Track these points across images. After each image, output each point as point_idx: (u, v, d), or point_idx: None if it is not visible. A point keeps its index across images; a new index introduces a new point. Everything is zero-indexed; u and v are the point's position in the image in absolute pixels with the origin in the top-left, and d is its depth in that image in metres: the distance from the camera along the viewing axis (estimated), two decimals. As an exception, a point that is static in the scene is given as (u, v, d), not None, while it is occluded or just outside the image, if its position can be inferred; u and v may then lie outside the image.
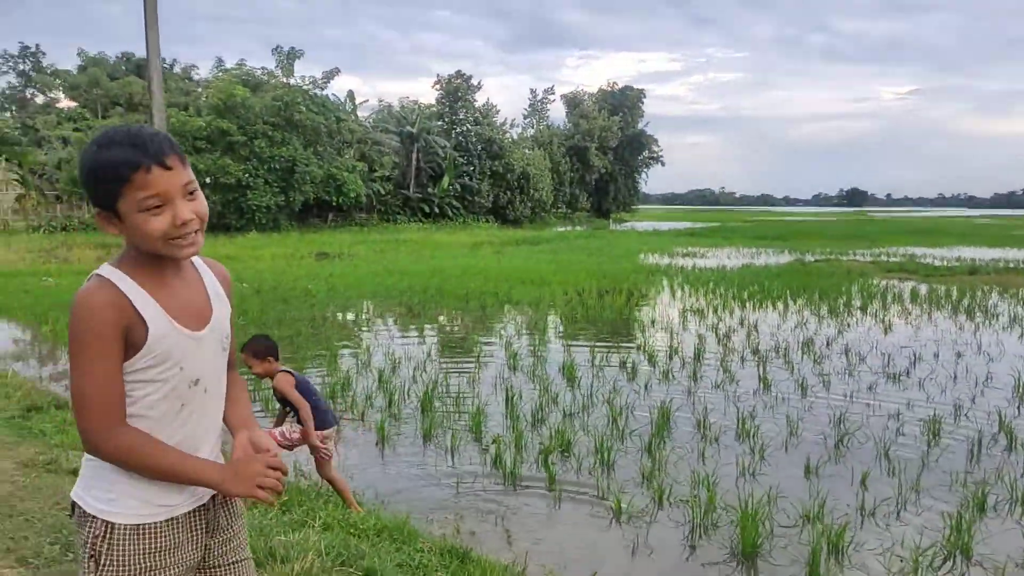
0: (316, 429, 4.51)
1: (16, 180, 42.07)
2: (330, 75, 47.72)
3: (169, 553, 1.58)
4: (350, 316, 13.09)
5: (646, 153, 79.18)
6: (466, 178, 53.99)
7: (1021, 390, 7.88)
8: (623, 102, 74.82)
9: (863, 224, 59.31)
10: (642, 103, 77.05)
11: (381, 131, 49.99)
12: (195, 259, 1.69)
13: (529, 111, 75.62)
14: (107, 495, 1.56)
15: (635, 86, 77.66)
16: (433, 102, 57.66)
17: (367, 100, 77.03)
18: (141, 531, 1.55)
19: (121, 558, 1.54)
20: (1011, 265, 22.11)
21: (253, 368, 4.57)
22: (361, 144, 47.06)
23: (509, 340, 10.58)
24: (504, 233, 42.38)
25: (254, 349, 4.55)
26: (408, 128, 51.04)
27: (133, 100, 48.02)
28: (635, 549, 4.44)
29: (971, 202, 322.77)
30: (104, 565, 1.54)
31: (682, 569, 4.27)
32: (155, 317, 1.52)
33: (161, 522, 1.57)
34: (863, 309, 13.54)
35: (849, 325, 11.97)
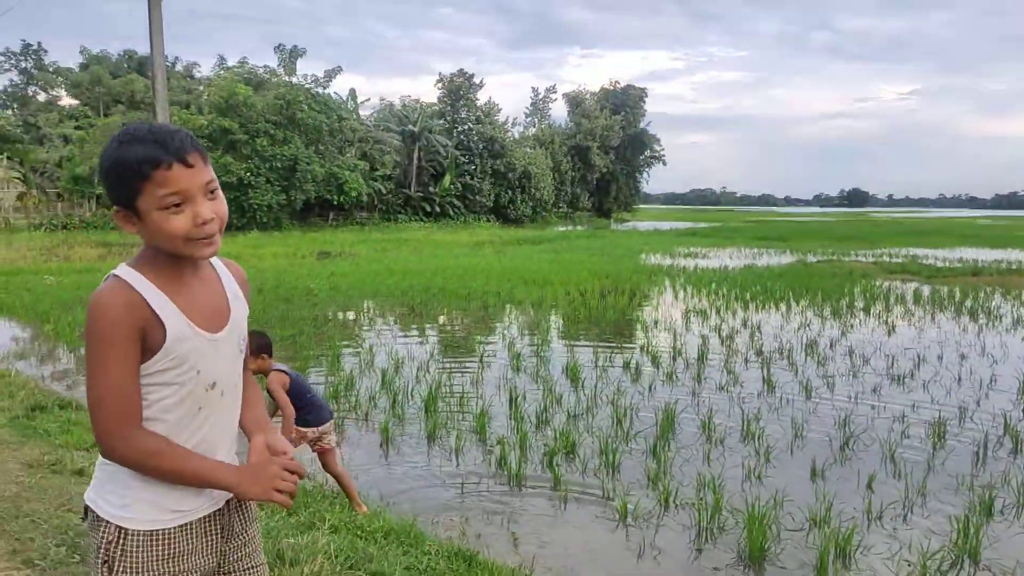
0: (312, 425, 4.51)
1: (17, 178, 42.10)
2: (332, 73, 47.80)
3: (184, 559, 1.56)
4: (352, 315, 13.08)
5: (648, 152, 79.18)
6: (467, 177, 54.02)
7: (1026, 393, 7.87)
8: (625, 101, 74.80)
9: (864, 225, 59.29)
10: (644, 102, 77.02)
11: (383, 130, 50.00)
12: (214, 260, 1.67)
13: (531, 110, 75.71)
14: (121, 500, 1.54)
15: (637, 85, 77.72)
16: (435, 101, 57.71)
17: (369, 99, 76.89)
18: (155, 537, 1.54)
19: (135, 564, 1.52)
20: (1013, 266, 22.09)
21: (247, 364, 4.54)
22: (363, 143, 47.07)
23: (512, 340, 10.56)
24: (505, 232, 42.38)
25: (249, 346, 4.52)
26: (410, 127, 51.06)
27: (135, 98, 48.03)
28: (642, 552, 4.42)
29: (972, 203, 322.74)
30: (117, 571, 1.53)
31: (689, 573, 4.25)
32: (173, 319, 1.50)
33: (175, 528, 1.55)
34: (866, 310, 13.53)
35: (852, 326, 11.95)
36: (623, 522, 4.78)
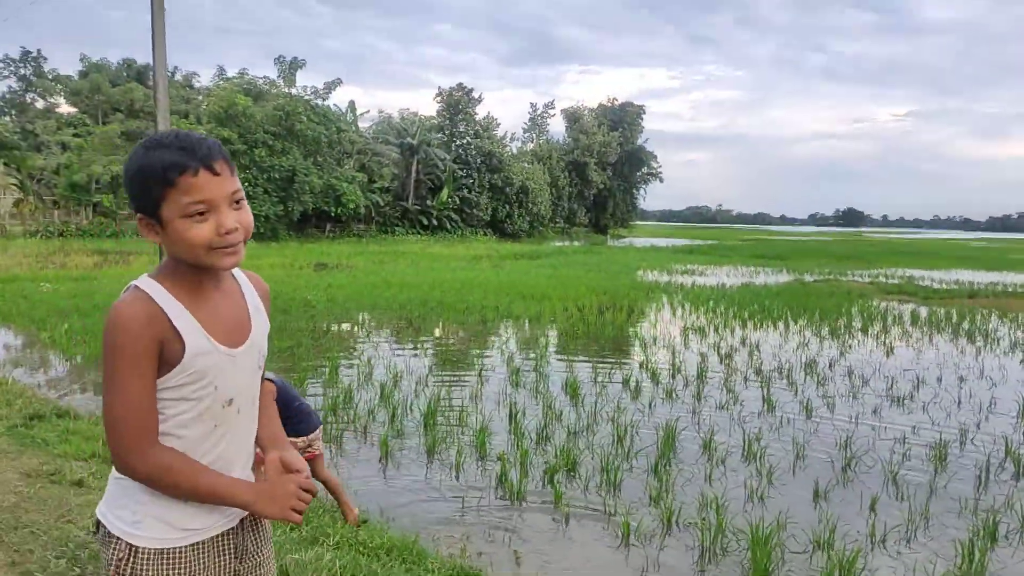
0: (301, 434, 4.49)
1: (14, 185, 42.02)
2: (332, 85, 47.91)
3: None
4: (350, 328, 13.03)
5: (645, 169, 79.48)
6: (465, 191, 54.12)
7: (1026, 416, 7.87)
8: (623, 118, 75.16)
9: (860, 245, 59.52)
10: (642, 119, 77.39)
11: (381, 142, 50.12)
12: (237, 273, 1.64)
13: (529, 125, 75.97)
14: (132, 516, 1.51)
15: (635, 102, 78.05)
16: (433, 114, 57.90)
17: (368, 111, 77.14)
18: (166, 556, 1.51)
19: None
20: (1009, 289, 22.17)
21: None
22: (361, 155, 47.15)
23: (511, 355, 10.53)
24: (502, 247, 42.41)
25: None
26: (408, 140, 51.19)
27: (134, 107, 48.06)
28: (645, 572, 4.38)
29: (967, 225, 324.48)
30: None
31: (693, 594, 4.21)
32: (192, 333, 1.48)
33: (187, 546, 1.53)
34: (864, 331, 13.54)
35: (851, 347, 11.96)
36: (626, 542, 4.74)
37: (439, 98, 58.21)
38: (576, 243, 53.48)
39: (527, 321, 13.95)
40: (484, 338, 12.35)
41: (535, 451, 6.39)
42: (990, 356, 11.45)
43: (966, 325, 14.21)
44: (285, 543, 3.64)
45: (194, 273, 1.51)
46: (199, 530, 1.54)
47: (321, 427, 4.70)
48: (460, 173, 53.93)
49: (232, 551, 1.61)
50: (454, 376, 9.41)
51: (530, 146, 71.35)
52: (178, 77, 55.70)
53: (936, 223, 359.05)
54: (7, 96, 56.68)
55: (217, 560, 1.57)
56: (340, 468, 5.89)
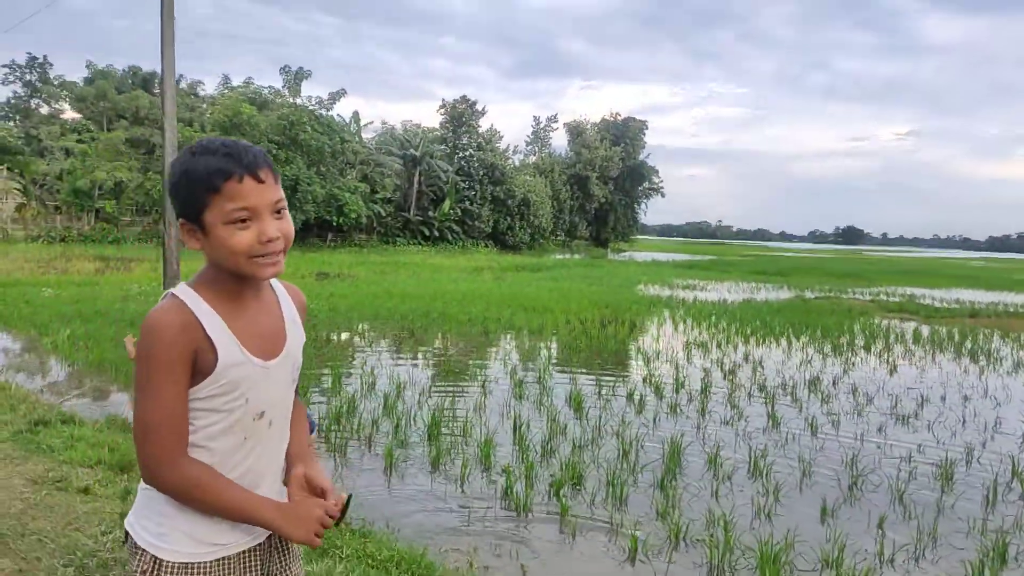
0: None
1: (17, 189, 42.05)
2: (336, 96, 48.09)
3: None
4: (353, 338, 13.02)
5: (646, 184, 79.68)
6: (467, 203, 54.23)
7: (1031, 436, 7.85)
8: (625, 132, 75.43)
9: (860, 263, 59.52)
10: (644, 134, 77.66)
11: (384, 153, 50.24)
12: (275, 283, 1.63)
13: (532, 138, 76.22)
14: (158, 528, 1.50)
15: (637, 117, 78.38)
16: (436, 126, 58.09)
17: (371, 122, 77.39)
18: (190, 570, 1.48)
19: None
20: (1011, 309, 22.16)
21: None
22: (364, 165, 47.26)
23: (514, 367, 10.52)
24: (503, 258, 42.44)
25: None
26: (411, 151, 51.33)
27: (139, 114, 48.19)
28: (653, 589, 4.35)
29: (966, 244, 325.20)
30: None
31: (702, 611, 4.18)
32: (226, 344, 1.46)
33: (212, 561, 1.50)
34: (867, 348, 13.52)
35: (854, 364, 11.94)
36: (633, 557, 4.71)
37: (443, 110, 58.46)
38: (577, 256, 53.52)
39: (529, 333, 13.93)
40: (486, 350, 12.33)
41: (540, 464, 6.36)
42: (993, 376, 11.43)
43: (968, 344, 14.20)
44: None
45: (233, 282, 1.50)
46: (225, 545, 1.51)
47: (315, 430, 4.68)
48: (462, 185, 54.06)
49: (258, 568, 1.58)
50: (457, 387, 9.38)
51: (532, 159, 71.58)
52: (183, 85, 55.87)
53: (936, 242, 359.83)
54: (12, 101, 56.87)
55: None
56: (344, 478, 5.87)
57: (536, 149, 75.37)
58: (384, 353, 11.62)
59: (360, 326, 14.18)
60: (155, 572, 1.48)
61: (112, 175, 38.66)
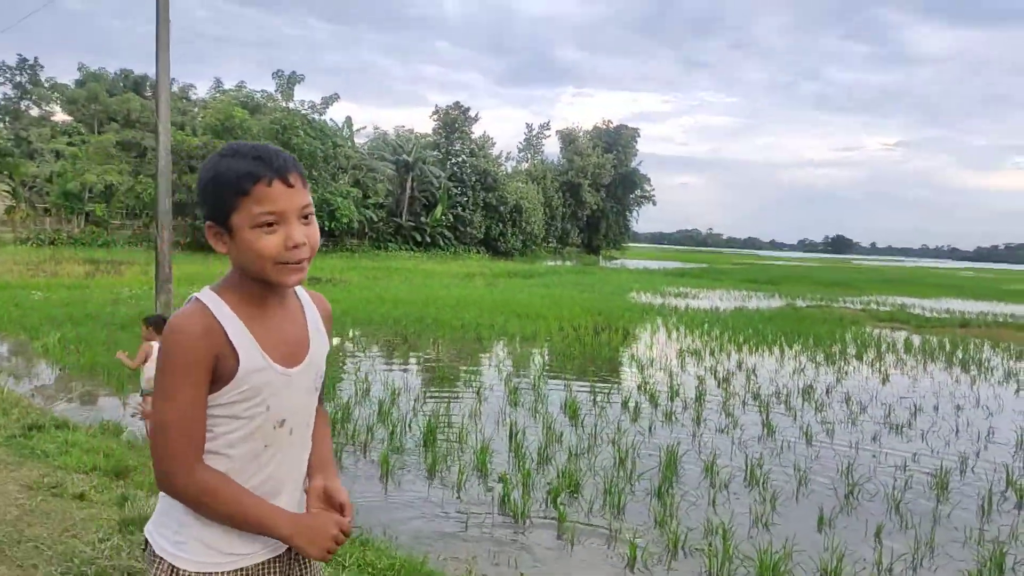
0: None
1: (6, 192, 41.78)
2: (329, 101, 48.04)
3: None
4: (346, 343, 12.97)
5: (638, 192, 79.84)
6: (459, 209, 54.20)
7: (1024, 446, 7.90)
8: (617, 140, 75.60)
9: (849, 272, 59.85)
10: (636, 142, 77.87)
11: (376, 158, 50.17)
12: (300, 291, 1.61)
13: (524, 145, 76.28)
14: (175, 536, 1.47)
15: (629, 125, 78.54)
16: (429, 132, 58.10)
17: (364, 127, 77.39)
18: None
19: None
20: (1000, 319, 22.31)
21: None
22: (356, 170, 47.19)
23: (508, 374, 10.50)
24: (495, 265, 42.43)
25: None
26: (404, 156, 51.29)
27: (130, 117, 48.00)
28: (652, 598, 4.34)
29: (954, 254, 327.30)
30: None
31: (702, 621, 4.17)
32: (248, 350, 1.44)
33: (229, 572, 1.47)
34: (858, 357, 13.58)
35: (847, 373, 11.98)
36: (632, 564, 4.70)
37: (436, 116, 58.46)
38: (569, 263, 53.60)
39: (523, 340, 13.92)
40: (480, 356, 12.31)
41: (537, 472, 6.35)
42: (985, 385, 11.50)
43: (960, 354, 14.28)
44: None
45: (257, 288, 1.48)
46: (244, 555, 1.49)
47: None
48: (455, 191, 54.04)
49: None
50: (452, 394, 9.36)
51: (525, 166, 71.63)
52: (174, 88, 55.72)
53: (924, 252, 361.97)
54: (1, 103, 56.51)
55: None
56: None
57: (528, 156, 75.44)
58: (378, 359, 11.59)
59: (353, 332, 14.13)
60: None
61: (102, 178, 38.44)
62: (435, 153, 54.71)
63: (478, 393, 9.19)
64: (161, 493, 1.50)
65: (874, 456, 7.35)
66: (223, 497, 1.43)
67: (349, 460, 6.52)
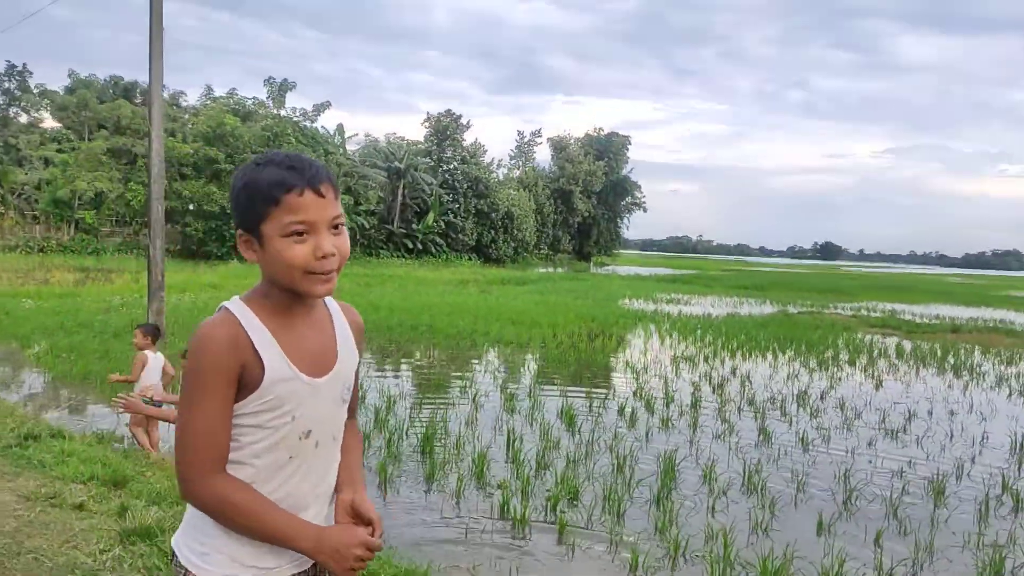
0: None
1: (-5, 198, 41.46)
2: (320, 108, 48.03)
3: None
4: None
5: (629, 199, 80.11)
6: (451, 215, 54.22)
7: (1019, 450, 7.94)
8: (608, 147, 75.89)
9: (839, 278, 60.12)
10: (627, 149, 78.19)
11: (368, 165, 50.14)
12: (329, 302, 1.60)
13: (516, 152, 76.44)
14: (200, 548, 1.46)
15: (620, 132, 78.89)
16: (421, 139, 58.13)
17: (356, 134, 77.29)
18: None
19: None
20: (990, 325, 22.47)
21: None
22: (347, 177, 47.11)
23: (504, 381, 10.49)
24: (488, 272, 42.42)
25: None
26: (395, 164, 51.28)
27: (120, 123, 47.76)
28: (655, 605, 4.33)
29: (942, 261, 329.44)
30: None
31: (705, 628, 4.16)
32: (274, 359, 1.44)
33: None
34: (852, 363, 13.64)
35: (840, 379, 12.03)
36: (633, 572, 4.69)
37: (427, 123, 58.55)
38: (560, 270, 53.64)
39: (518, 347, 13.92)
40: (475, 363, 12.30)
41: (535, 479, 6.34)
42: (977, 391, 11.57)
43: (951, 359, 14.37)
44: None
45: (285, 298, 1.48)
46: (269, 569, 1.47)
47: None
48: (446, 198, 54.07)
49: None
50: (448, 401, 9.33)
51: (516, 173, 71.76)
52: (164, 95, 55.58)
53: (912, 258, 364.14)
54: (-11, 110, 56.13)
55: None
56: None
57: (520, 163, 75.59)
58: (372, 366, 11.55)
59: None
60: None
61: (92, 185, 38.25)
62: (427, 160, 54.75)
63: (474, 400, 9.17)
64: (188, 504, 1.49)
65: (870, 461, 7.38)
66: (245, 507, 1.41)
67: (347, 468, 6.48)
